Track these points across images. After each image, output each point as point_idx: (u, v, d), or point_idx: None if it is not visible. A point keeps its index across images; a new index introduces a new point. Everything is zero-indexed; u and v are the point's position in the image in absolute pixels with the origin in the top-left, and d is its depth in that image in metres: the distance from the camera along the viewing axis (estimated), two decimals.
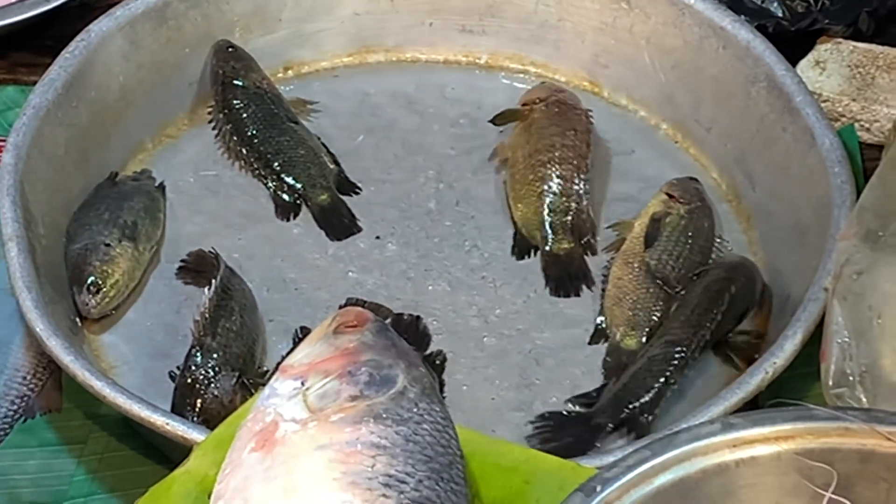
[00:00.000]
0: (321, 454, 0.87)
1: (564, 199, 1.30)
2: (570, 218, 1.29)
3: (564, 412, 1.16)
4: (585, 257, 1.28)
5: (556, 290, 1.26)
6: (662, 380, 1.15)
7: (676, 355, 1.16)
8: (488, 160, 1.36)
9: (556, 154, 1.32)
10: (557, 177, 1.31)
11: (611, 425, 1.13)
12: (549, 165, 1.31)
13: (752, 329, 1.22)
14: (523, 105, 1.38)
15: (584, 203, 1.30)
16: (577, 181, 1.31)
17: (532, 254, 1.29)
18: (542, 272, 1.27)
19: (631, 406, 1.14)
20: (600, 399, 1.16)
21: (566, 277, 1.27)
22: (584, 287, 1.26)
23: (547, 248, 1.28)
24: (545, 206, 1.30)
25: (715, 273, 1.23)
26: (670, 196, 1.29)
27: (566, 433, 1.13)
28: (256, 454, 0.88)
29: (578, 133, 1.34)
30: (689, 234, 1.27)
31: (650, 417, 1.14)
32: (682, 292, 1.22)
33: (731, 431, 0.88)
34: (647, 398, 1.14)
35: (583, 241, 1.29)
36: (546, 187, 1.30)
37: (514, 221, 1.31)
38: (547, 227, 1.29)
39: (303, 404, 0.90)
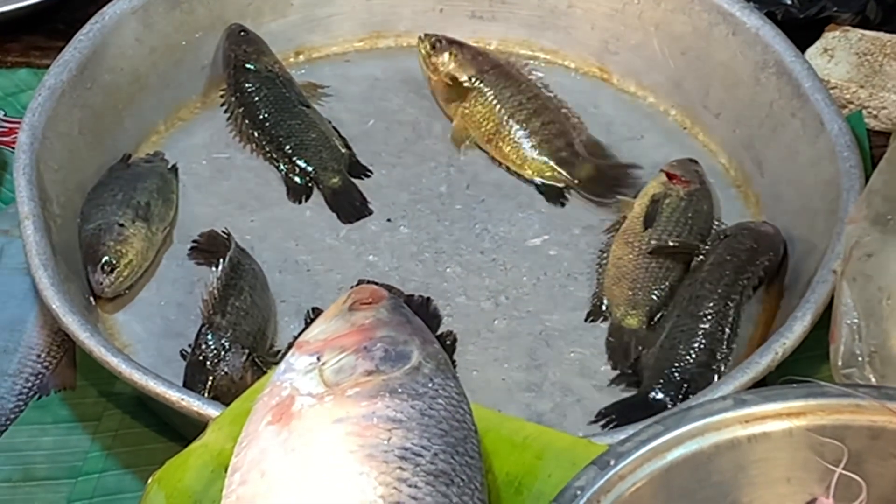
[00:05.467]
0: (337, 428, 0.87)
1: (561, 137, 1.34)
2: (573, 148, 1.34)
3: (620, 400, 1.16)
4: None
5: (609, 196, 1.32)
6: (708, 348, 1.17)
7: (709, 312, 1.18)
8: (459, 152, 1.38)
9: (530, 107, 1.35)
10: (544, 124, 1.34)
11: (671, 402, 1.14)
12: (532, 119, 1.35)
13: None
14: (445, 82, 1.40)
15: (578, 132, 1.36)
16: (561, 118, 1.35)
17: (564, 196, 1.33)
18: (581, 188, 1.33)
19: (684, 376, 1.16)
20: (644, 374, 1.17)
21: (605, 186, 1.33)
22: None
23: (572, 179, 1.34)
24: (551, 152, 1.34)
25: (736, 232, 1.25)
26: (670, 177, 1.30)
27: (632, 419, 1.12)
28: (273, 427, 0.89)
29: (530, 82, 1.38)
30: (689, 215, 1.28)
31: (714, 376, 1.15)
32: (701, 248, 1.25)
33: (743, 407, 0.88)
34: (697, 361, 1.16)
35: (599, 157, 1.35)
36: (541, 137, 1.34)
37: (531, 180, 1.34)
38: (561, 165, 1.34)
39: (319, 379, 0.91)
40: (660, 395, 1.15)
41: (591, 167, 1.34)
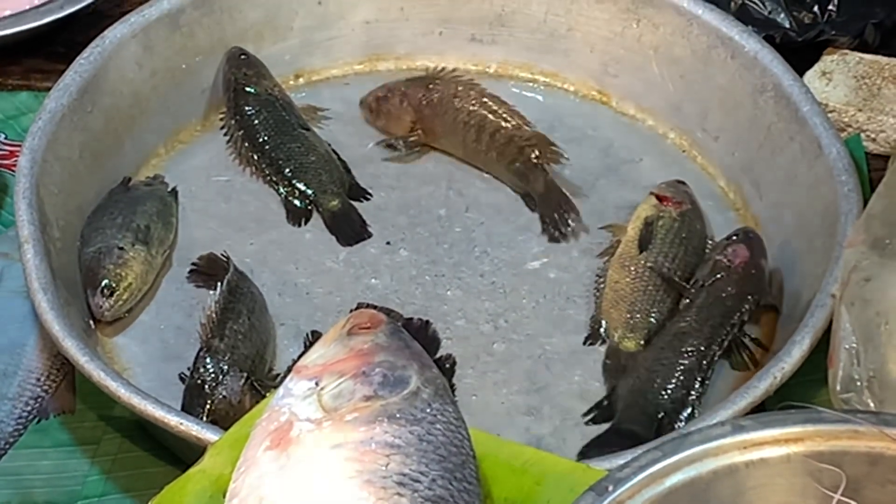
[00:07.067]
0: (336, 453, 0.88)
1: (511, 144, 1.35)
2: (524, 155, 1.34)
3: (595, 438, 1.15)
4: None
5: (552, 229, 1.33)
6: (693, 389, 1.17)
7: (691, 350, 1.18)
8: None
9: (477, 116, 1.36)
10: (496, 131, 1.35)
11: (644, 433, 1.13)
12: (483, 130, 1.35)
13: (758, 338, 1.24)
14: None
15: (527, 129, 1.36)
16: (511, 117, 1.36)
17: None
18: (540, 217, 1.34)
19: (658, 410, 1.15)
20: (617, 406, 1.17)
21: (556, 210, 1.33)
22: (572, 216, 1.33)
23: (533, 188, 1.34)
24: (509, 163, 1.35)
25: (725, 281, 1.24)
26: (661, 199, 1.31)
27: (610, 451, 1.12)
28: (271, 453, 0.89)
29: (465, 85, 1.38)
30: (683, 235, 1.28)
31: (688, 410, 1.16)
32: (692, 289, 1.24)
33: (741, 433, 0.89)
34: (672, 396, 1.16)
35: (544, 158, 1.35)
36: (499, 147, 1.35)
37: (511, 187, 1.36)
38: (519, 177, 1.35)
39: (317, 404, 0.91)
40: (636, 427, 1.14)
41: (542, 182, 1.34)
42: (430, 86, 1.39)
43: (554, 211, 1.33)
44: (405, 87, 1.39)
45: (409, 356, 0.95)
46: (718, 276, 1.24)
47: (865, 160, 1.41)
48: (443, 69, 1.40)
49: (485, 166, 1.37)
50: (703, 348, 1.19)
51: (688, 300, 1.23)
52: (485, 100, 1.37)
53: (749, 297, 1.23)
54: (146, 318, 1.24)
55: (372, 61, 1.48)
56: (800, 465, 0.88)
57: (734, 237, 1.28)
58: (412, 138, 1.39)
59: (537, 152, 1.35)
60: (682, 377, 1.17)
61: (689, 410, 1.16)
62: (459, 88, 1.38)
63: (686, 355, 1.18)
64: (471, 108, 1.37)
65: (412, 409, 0.91)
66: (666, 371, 1.18)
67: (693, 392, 1.17)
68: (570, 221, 1.32)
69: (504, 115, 1.36)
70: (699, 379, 1.18)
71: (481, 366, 1.22)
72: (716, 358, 1.20)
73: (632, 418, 1.15)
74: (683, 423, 1.15)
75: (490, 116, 1.36)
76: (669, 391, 1.17)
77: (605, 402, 1.18)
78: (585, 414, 1.18)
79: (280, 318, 1.24)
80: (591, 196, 1.36)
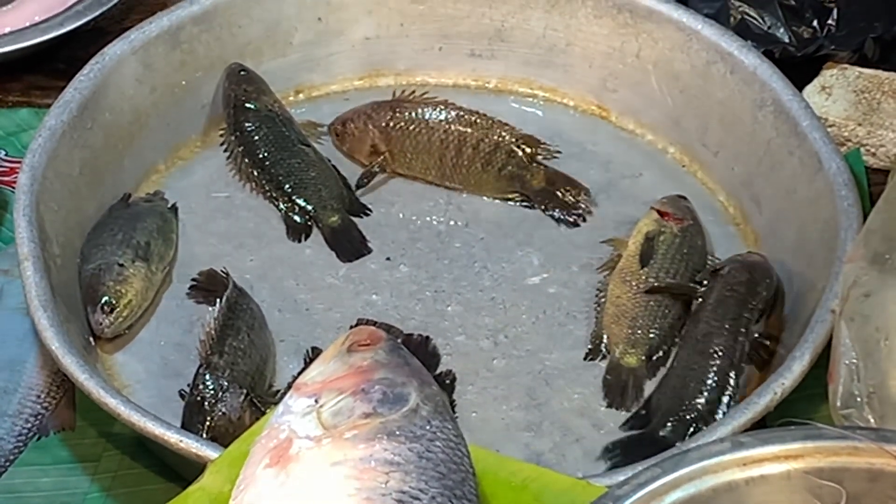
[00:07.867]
0: (335, 470, 0.88)
1: (500, 150, 1.35)
2: (515, 157, 1.35)
3: (627, 436, 1.16)
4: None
5: (566, 216, 1.34)
6: (719, 385, 1.17)
7: (718, 349, 1.19)
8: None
9: (454, 132, 1.36)
10: (479, 141, 1.35)
11: (680, 440, 1.14)
12: (465, 144, 1.35)
13: (766, 332, 1.24)
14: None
15: (511, 133, 1.36)
16: (492, 125, 1.36)
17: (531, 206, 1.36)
18: (545, 213, 1.35)
19: (695, 414, 1.16)
20: (655, 416, 1.17)
21: (559, 199, 1.34)
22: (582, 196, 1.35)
23: (531, 187, 1.35)
24: (497, 170, 1.35)
25: (729, 267, 1.25)
26: (662, 214, 1.31)
27: (635, 456, 1.11)
28: (271, 470, 0.89)
29: (434, 105, 1.37)
30: (685, 251, 1.29)
31: (724, 411, 1.16)
32: (699, 290, 1.25)
33: (740, 450, 0.89)
34: (708, 398, 1.17)
35: (537, 156, 1.36)
36: (484, 157, 1.35)
37: (501, 197, 1.37)
38: (513, 181, 1.35)
39: (317, 421, 0.91)
40: (669, 434, 1.15)
41: (542, 176, 1.35)
42: (397, 109, 1.38)
43: (563, 197, 1.34)
44: (370, 110, 1.39)
45: (409, 373, 0.95)
46: (734, 264, 1.25)
47: (865, 175, 1.41)
48: (413, 92, 1.39)
49: (466, 182, 1.36)
50: (730, 343, 1.19)
51: (700, 299, 1.24)
52: (460, 115, 1.37)
53: (763, 283, 1.23)
54: (146, 334, 1.24)
55: (372, 77, 1.48)
56: (800, 481, 0.88)
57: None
58: (376, 165, 1.38)
59: (530, 150, 1.35)
60: (716, 378, 1.18)
61: (726, 409, 1.16)
62: (429, 108, 1.37)
63: (715, 356, 1.19)
64: (447, 125, 1.36)
65: (411, 426, 0.90)
66: (698, 375, 1.18)
67: (728, 390, 1.17)
68: (581, 202, 1.34)
69: (485, 125, 1.36)
70: (733, 375, 1.18)
71: (481, 382, 1.22)
72: (745, 350, 1.20)
73: (668, 425, 1.16)
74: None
75: (470, 129, 1.36)
76: (706, 395, 1.17)
77: (643, 412, 1.18)
78: (623, 425, 1.18)
79: (280, 335, 1.24)
80: (591, 211, 1.36)
